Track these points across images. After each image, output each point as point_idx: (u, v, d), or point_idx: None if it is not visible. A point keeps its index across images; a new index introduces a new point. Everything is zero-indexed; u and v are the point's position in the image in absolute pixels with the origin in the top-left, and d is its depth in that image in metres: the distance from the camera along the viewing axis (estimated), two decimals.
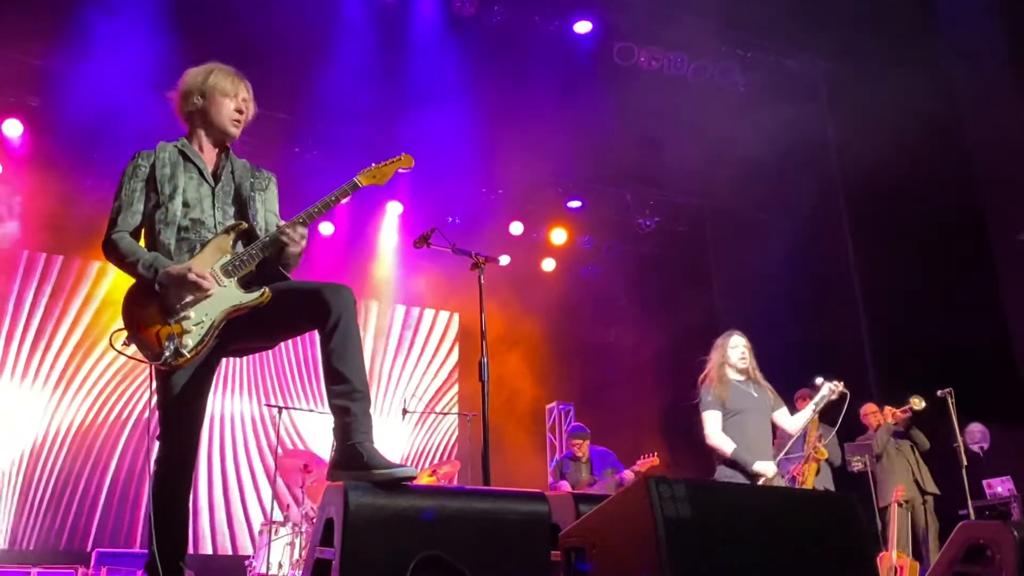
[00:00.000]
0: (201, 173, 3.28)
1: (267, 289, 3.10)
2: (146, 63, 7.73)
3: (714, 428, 5.19)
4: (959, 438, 6.85)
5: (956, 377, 7.01)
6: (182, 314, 3.01)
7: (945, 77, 8.02)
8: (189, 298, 3.01)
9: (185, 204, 3.18)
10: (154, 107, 8.57)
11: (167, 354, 2.94)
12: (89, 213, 8.57)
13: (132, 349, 3.03)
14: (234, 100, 3.38)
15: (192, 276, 2.98)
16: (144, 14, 7.52)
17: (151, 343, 2.99)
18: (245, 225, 3.23)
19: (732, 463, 5.08)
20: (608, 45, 8.88)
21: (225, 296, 3.07)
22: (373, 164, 3.38)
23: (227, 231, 3.17)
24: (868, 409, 7.69)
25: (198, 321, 3.02)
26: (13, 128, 8.71)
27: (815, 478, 6.31)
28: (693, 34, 8.86)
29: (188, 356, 2.98)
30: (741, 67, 9.15)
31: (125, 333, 3.03)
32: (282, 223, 3.22)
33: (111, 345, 3.04)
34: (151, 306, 3.02)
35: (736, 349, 5.27)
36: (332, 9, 8.32)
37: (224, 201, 3.29)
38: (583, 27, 8.82)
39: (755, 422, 5.14)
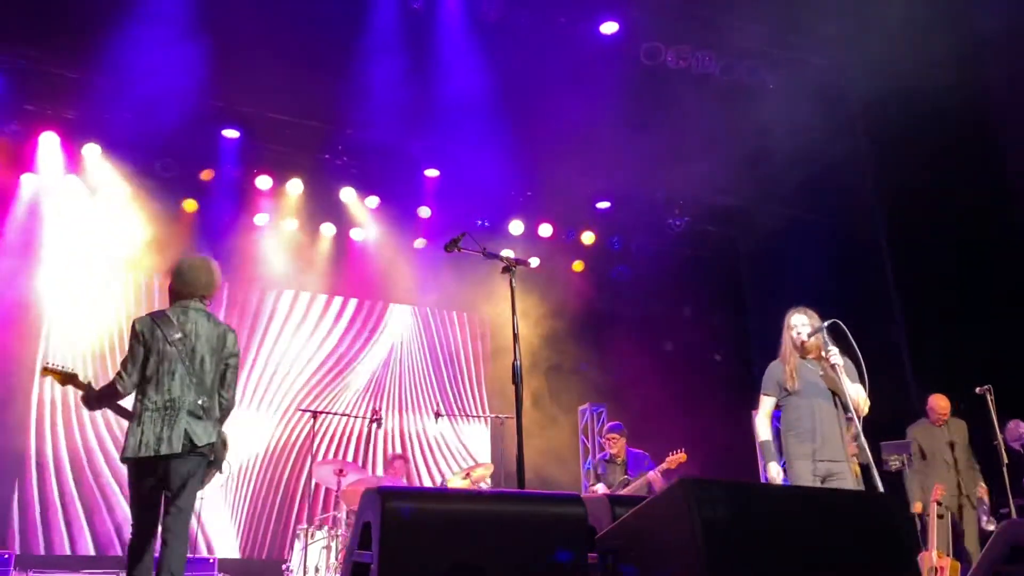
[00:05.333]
0: None
1: None
2: (182, 75, 7.88)
3: (761, 414, 5.13)
4: (999, 435, 6.74)
5: (995, 373, 6.90)
6: None
7: (979, 70, 7.90)
8: None
9: None
10: (187, 117, 8.78)
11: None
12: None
13: None
14: None
15: None
16: (178, 27, 7.62)
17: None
18: None
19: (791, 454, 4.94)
20: (635, 45, 8.84)
21: None
22: None
23: None
24: (938, 402, 7.43)
25: None
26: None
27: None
28: (720, 32, 8.80)
29: None
30: (769, 65, 9.07)
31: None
32: None
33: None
34: None
35: (794, 329, 5.06)
36: (359, 17, 8.37)
37: None
38: (609, 28, 8.78)
39: (817, 405, 4.91)
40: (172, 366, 4.01)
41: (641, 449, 8.02)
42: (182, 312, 4.15)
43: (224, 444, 4.22)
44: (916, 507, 6.90)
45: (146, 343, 4.05)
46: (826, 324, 4.83)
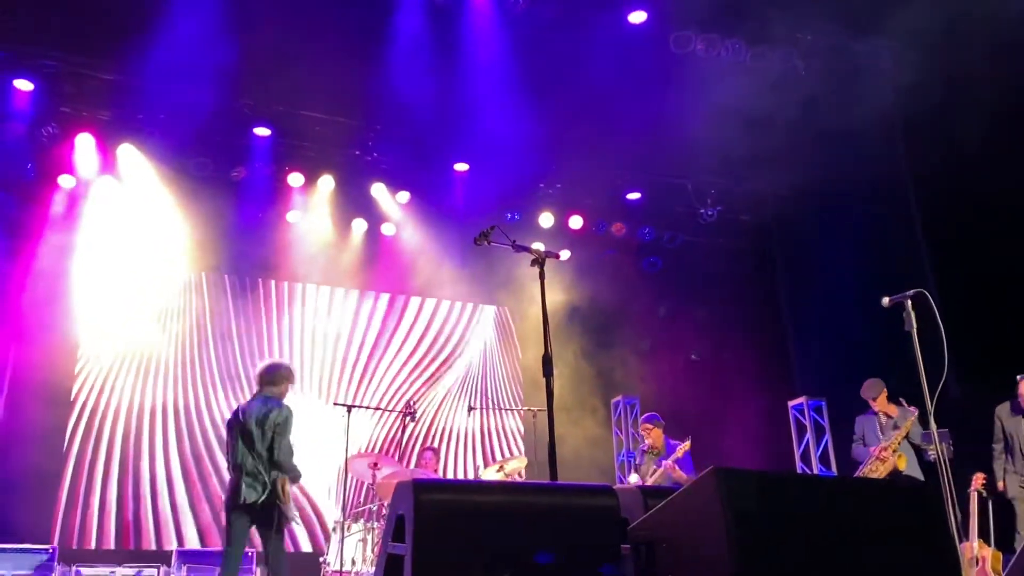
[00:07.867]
0: None
1: None
2: (214, 74, 7.97)
3: None
4: None
5: None
6: None
7: (1016, 49, 7.70)
8: None
9: None
10: (219, 116, 8.87)
11: None
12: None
13: None
14: None
15: None
16: (209, 27, 7.69)
17: None
18: None
19: None
20: (664, 34, 8.77)
21: None
22: None
23: None
24: None
25: None
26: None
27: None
28: (750, 19, 8.69)
29: None
30: (801, 51, 8.95)
31: None
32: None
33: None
34: None
35: None
36: (386, 14, 8.40)
37: None
38: (638, 17, 8.71)
39: None
40: (238, 443, 5.56)
41: (678, 440, 7.94)
42: (248, 403, 5.73)
43: (283, 490, 5.52)
44: (1000, 486, 6.78)
45: (232, 432, 5.66)
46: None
